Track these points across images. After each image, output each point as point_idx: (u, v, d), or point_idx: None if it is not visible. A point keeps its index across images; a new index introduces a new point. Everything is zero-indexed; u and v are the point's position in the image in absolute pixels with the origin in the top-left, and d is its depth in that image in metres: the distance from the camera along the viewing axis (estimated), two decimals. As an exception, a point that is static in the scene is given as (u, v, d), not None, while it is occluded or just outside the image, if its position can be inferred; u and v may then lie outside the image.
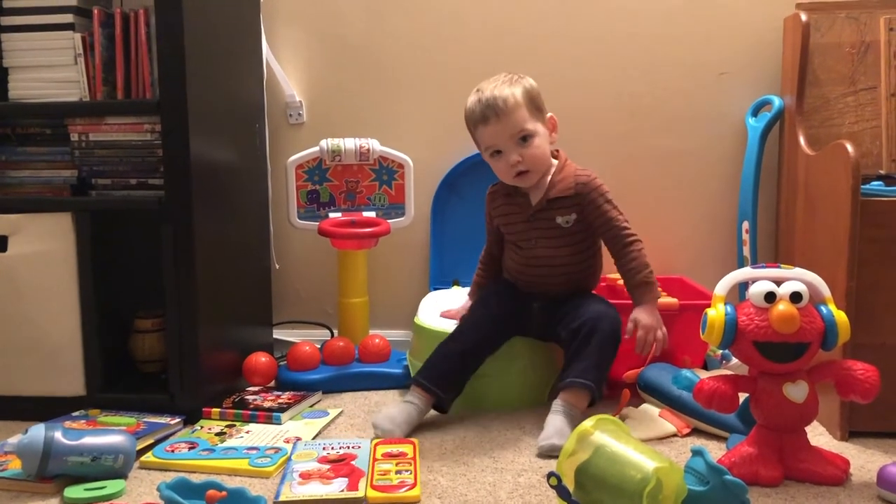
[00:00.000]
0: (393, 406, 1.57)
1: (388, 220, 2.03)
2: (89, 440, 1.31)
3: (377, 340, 1.92)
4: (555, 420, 1.47)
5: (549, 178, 1.63)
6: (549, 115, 1.64)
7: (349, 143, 2.02)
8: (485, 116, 1.58)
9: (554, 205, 1.62)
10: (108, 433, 1.36)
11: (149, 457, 1.42)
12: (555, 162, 1.66)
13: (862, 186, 1.45)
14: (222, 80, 1.78)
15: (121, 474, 1.33)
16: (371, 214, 2.06)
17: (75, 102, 1.65)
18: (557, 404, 1.49)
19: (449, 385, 1.58)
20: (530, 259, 1.65)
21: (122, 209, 1.67)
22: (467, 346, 1.60)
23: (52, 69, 1.65)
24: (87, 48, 1.63)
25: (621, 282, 1.96)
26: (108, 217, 1.66)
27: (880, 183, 1.56)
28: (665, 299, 1.80)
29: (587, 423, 1.17)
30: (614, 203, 1.62)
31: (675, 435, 1.52)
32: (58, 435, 1.29)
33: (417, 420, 1.54)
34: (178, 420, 1.57)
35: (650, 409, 1.58)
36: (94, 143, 1.65)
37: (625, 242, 1.60)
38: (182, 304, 1.59)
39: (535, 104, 1.60)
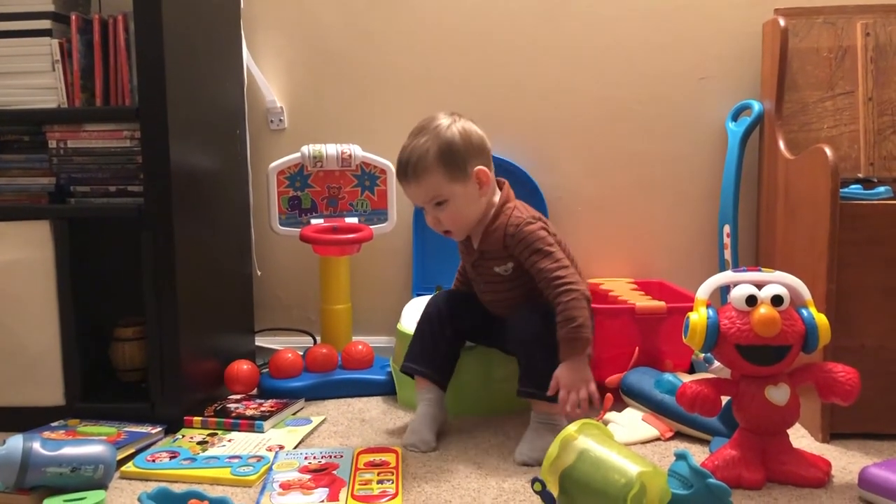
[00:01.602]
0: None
1: (371, 226, 2.03)
2: (68, 451, 1.30)
3: (360, 347, 1.91)
4: (527, 434, 1.47)
5: (484, 227, 1.53)
6: (476, 168, 1.48)
7: (331, 149, 2.01)
8: (399, 176, 1.52)
9: (487, 255, 1.55)
10: (88, 443, 1.35)
11: (129, 467, 1.40)
12: (494, 207, 1.54)
13: (840, 190, 1.47)
14: (202, 86, 1.77)
15: (101, 485, 1.31)
16: (353, 220, 2.05)
17: (53, 109, 1.63)
18: (532, 417, 1.49)
19: (436, 360, 1.58)
20: (480, 294, 1.63)
21: (102, 217, 1.66)
22: (441, 318, 1.60)
23: (29, 76, 1.63)
24: (64, 54, 1.62)
25: (603, 286, 1.98)
26: (87, 225, 1.64)
27: (858, 186, 1.58)
28: (652, 303, 1.81)
29: (571, 428, 1.17)
30: (547, 248, 1.47)
31: (658, 439, 1.52)
32: (36, 446, 1.27)
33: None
34: (159, 429, 1.56)
35: (633, 414, 1.59)
36: (73, 151, 1.63)
37: (554, 294, 1.44)
38: (162, 312, 1.58)
39: (453, 163, 1.46)
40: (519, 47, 2.09)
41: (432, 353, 1.59)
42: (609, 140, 2.09)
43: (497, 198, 1.55)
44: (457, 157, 1.47)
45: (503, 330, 1.56)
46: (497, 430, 1.60)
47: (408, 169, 1.48)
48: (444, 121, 1.50)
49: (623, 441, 1.47)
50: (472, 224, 1.53)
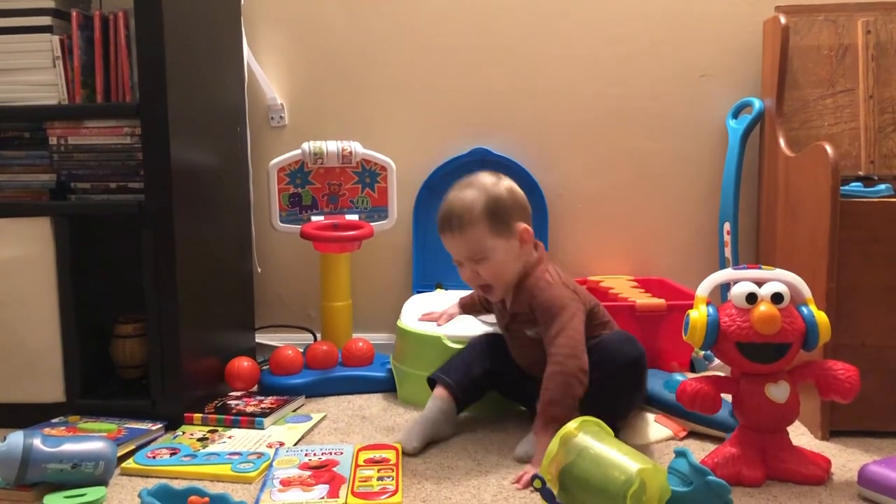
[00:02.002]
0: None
1: (371, 223, 2.03)
2: (69, 447, 1.30)
3: (360, 344, 1.91)
4: (531, 435, 1.44)
5: (515, 288, 1.51)
6: (521, 226, 1.47)
7: (331, 146, 2.01)
8: (442, 227, 1.49)
9: (518, 318, 1.53)
10: (89, 440, 1.35)
11: (130, 463, 1.40)
12: (540, 267, 1.52)
13: (841, 188, 1.47)
14: (203, 82, 1.77)
15: (101, 481, 1.31)
16: (354, 217, 2.05)
17: (54, 106, 1.63)
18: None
19: (464, 380, 1.56)
20: (512, 351, 1.60)
21: (102, 213, 1.65)
22: (489, 351, 1.60)
23: (29, 72, 1.63)
24: (65, 51, 1.61)
25: (603, 283, 1.98)
26: (88, 221, 1.64)
27: (859, 184, 1.58)
28: (652, 300, 1.81)
29: (571, 426, 1.17)
30: (558, 311, 1.44)
31: (672, 438, 1.52)
32: (37, 442, 1.27)
33: (439, 423, 1.52)
34: (159, 426, 1.56)
35: (645, 416, 1.58)
36: (73, 147, 1.63)
37: (549, 363, 1.41)
38: (163, 308, 1.58)
39: (499, 217, 1.45)
40: (520, 45, 2.09)
41: (464, 373, 1.57)
42: (609, 138, 2.09)
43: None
44: (503, 213, 1.47)
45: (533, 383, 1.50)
46: (497, 427, 1.60)
47: (452, 220, 1.46)
48: (489, 178, 1.50)
49: (638, 443, 1.46)
50: (512, 281, 1.50)
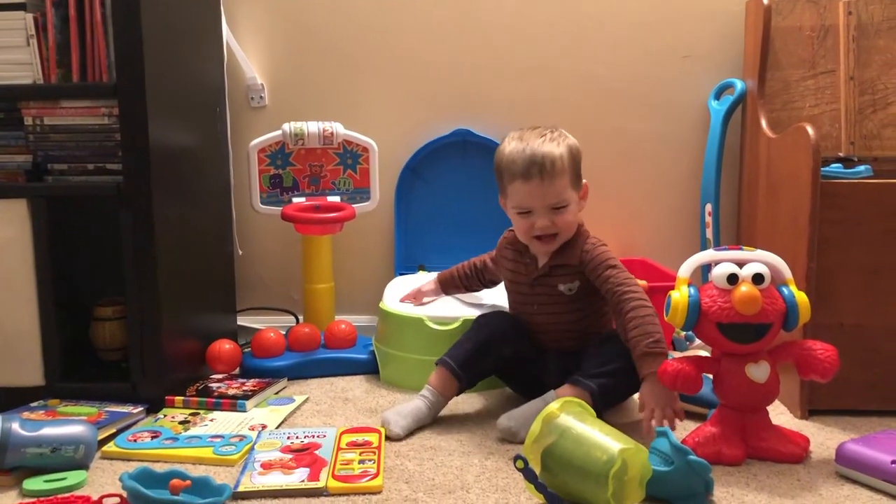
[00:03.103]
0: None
1: (353, 205, 2.02)
2: (48, 431, 1.29)
3: (343, 326, 1.91)
4: (531, 404, 1.44)
5: (562, 242, 1.54)
6: (584, 182, 1.54)
7: (312, 127, 1.99)
8: (527, 172, 1.46)
9: (557, 271, 1.54)
10: (68, 423, 1.34)
11: (111, 446, 1.39)
12: (584, 228, 1.57)
13: (821, 169, 1.47)
14: (181, 62, 1.75)
15: (82, 465, 1.31)
16: (335, 199, 2.04)
17: (28, 85, 1.60)
18: (548, 394, 1.45)
19: (473, 370, 1.53)
20: (531, 325, 1.59)
21: (80, 195, 1.63)
22: (506, 339, 1.56)
23: (3, 51, 1.59)
24: (39, 29, 1.58)
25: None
26: (66, 203, 1.62)
27: (839, 165, 1.59)
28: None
29: (553, 406, 1.17)
30: (612, 269, 1.49)
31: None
32: (15, 426, 1.26)
33: (428, 417, 1.50)
34: (140, 409, 1.55)
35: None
36: (49, 128, 1.60)
37: (628, 306, 1.43)
38: (143, 291, 1.56)
39: (577, 170, 1.51)
40: (503, 24, 2.07)
41: (476, 363, 1.53)
42: (592, 118, 2.09)
43: None
44: (579, 165, 1.53)
45: (573, 361, 1.51)
46: (480, 407, 1.61)
47: (544, 167, 1.46)
48: (553, 131, 1.52)
49: (619, 421, 1.47)
50: (570, 236, 1.53)
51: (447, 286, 1.80)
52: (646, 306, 1.43)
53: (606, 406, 1.46)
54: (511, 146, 1.51)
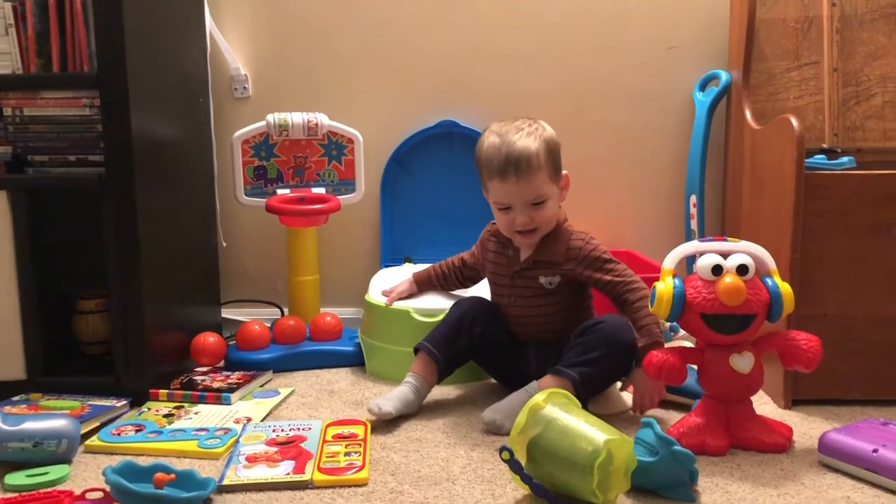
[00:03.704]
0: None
1: (338, 197, 2.01)
2: (30, 425, 1.28)
3: (328, 318, 1.90)
4: (514, 396, 1.44)
5: (542, 238, 1.55)
6: (564, 173, 1.54)
7: (296, 118, 1.98)
8: (503, 172, 1.46)
9: (540, 265, 1.55)
10: (51, 417, 1.33)
11: (94, 440, 1.38)
12: (567, 223, 1.58)
13: (805, 160, 1.48)
14: (164, 52, 1.73)
15: (64, 459, 1.30)
16: (320, 190, 2.03)
17: (8, 75, 1.57)
18: (531, 385, 1.45)
19: (450, 352, 1.54)
20: (510, 317, 1.60)
21: (61, 187, 1.61)
22: (475, 318, 1.57)
23: (-19, 41, 1.57)
24: (18, 18, 1.56)
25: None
26: (47, 195, 1.60)
27: (823, 157, 1.59)
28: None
29: (539, 398, 1.18)
30: (609, 263, 1.52)
31: None
32: (-4, 421, 1.25)
33: (414, 403, 1.50)
34: (124, 402, 1.54)
35: (612, 385, 1.59)
36: (30, 118, 1.58)
37: (628, 300, 1.49)
38: (126, 283, 1.55)
39: (555, 164, 1.50)
40: (488, 16, 2.07)
41: (449, 343, 1.55)
42: (578, 110, 2.09)
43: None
44: (557, 158, 1.51)
45: (553, 352, 1.52)
46: (465, 399, 1.61)
47: (520, 165, 1.45)
48: (534, 123, 1.52)
49: (604, 412, 1.48)
50: (551, 229, 1.54)
51: (423, 286, 1.79)
52: (646, 295, 1.47)
53: (589, 395, 1.46)
54: (488, 142, 1.51)
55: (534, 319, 1.57)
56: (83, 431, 1.38)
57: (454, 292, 1.79)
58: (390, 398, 1.48)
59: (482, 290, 1.72)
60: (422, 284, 1.79)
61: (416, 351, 1.57)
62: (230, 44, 2.07)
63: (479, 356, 1.62)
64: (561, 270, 1.54)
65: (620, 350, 1.45)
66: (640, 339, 1.47)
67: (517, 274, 1.57)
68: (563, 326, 1.54)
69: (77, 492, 1.16)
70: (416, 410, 1.52)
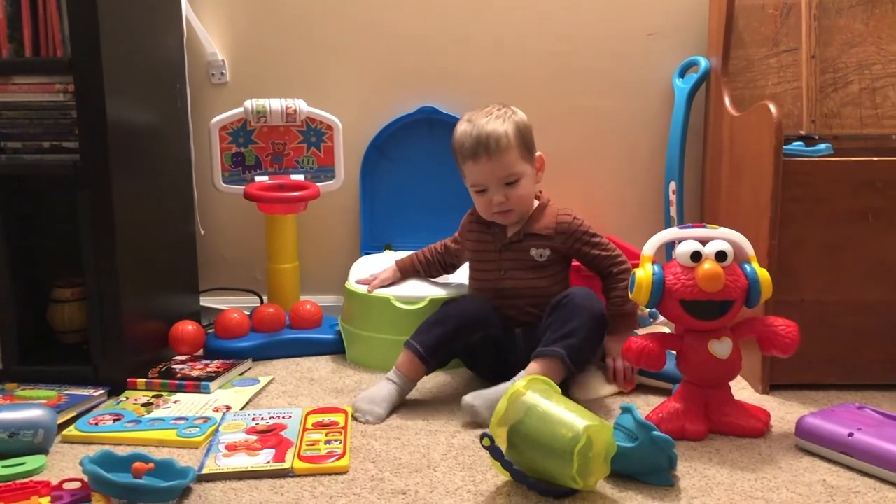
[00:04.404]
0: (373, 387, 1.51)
1: (318, 184, 2.00)
2: (6, 415, 1.27)
3: (308, 306, 1.89)
4: (499, 387, 1.42)
5: (532, 211, 1.60)
6: (537, 154, 1.60)
7: (275, 104, 1.96)
8: (475, 153, 1.53)
9: (530, 238, 1.58)
10: (27, 407, 1.31)
11: (71, 430, 1.37)
12: (536, 201, 1.62)
13: (783, 147, 1.49)
14: (139, 37, 1.70)
15: (41, 450, 1.28)
16: (299, 177, 2.01)
17: (-22, 61, 1.55)
18: (518, 377, 1.41)
19: (439, 352, 1.52)
20: (500, 290, 1.59)
21: (35, 174, 1.59)
22: (475, 324, 1.55)
23: (-50, 25, 1.54)
24: (-12, 2, 1.53)
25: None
26: (20, 182, 1.58)
27: (801, 143, 1.60)
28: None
29: (519, 384, 1.18)
30: (596, 237, 1.60)
31: (620, 393, 1.54)
32: (-29, 411, 1.24)
33: (399, 399, 1.49)
34: (101, 392, 1.52)
35: (592, 371, 1.59)
36: (2, 105, 1.55)
37: (620, 269, 1.58)
38: (102, 272, 1.53)
39: (526, 144, 1.56)
40: (467, 1, 2.05)
41: (444, 349, 1.53)
42: (556, 96, 2.08)
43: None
44: (528, 139, 1.57)
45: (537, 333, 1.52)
46: (446, 386, 1.61)
47: (489, 145, 1.52)
48: (504, 108, 1.59)
49: (585, 398, 1.49)
50: (528, 208, 1.60)
51: (406, 272, 1.79)
52: (628, 269, 1.57)
53: (578, 365, 1.46)
54: (461, 129, 1.58)
55: (523, 292, 1.58)
56: (60, 421, 1.36)
57: (437, 280, 1.79)
58: (378, 402, 1.45)
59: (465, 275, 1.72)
60: (405, 271, 1.79)
61: (406, 346, 1.52)
62: (207, 28, 2.05)
63: (470, 356, 1.62)
64: (552, 244, 1.58)
65: (594, 316, 1.47)
66: (611, 308, 1.56)
67: (505, 247, 1.60)
68: (545, 303, 1.53)
69: (54, 482, 1.15)
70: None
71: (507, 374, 1.46)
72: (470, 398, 1.42)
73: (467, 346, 1.56)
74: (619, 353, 1.50)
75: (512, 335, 1.58)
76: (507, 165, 1.53)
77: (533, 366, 1.44)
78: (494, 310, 1.58)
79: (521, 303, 1.58)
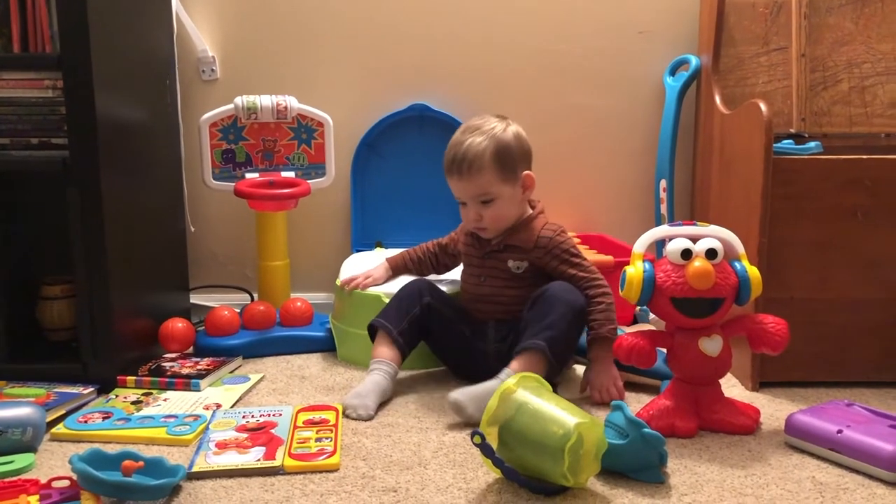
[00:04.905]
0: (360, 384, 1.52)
1: (308, 181, 1.99)
2: (-6, 413, 1.26)
3: (299, 304, 1.89)
4: (488, 384, 1.41)
5: (513, 227, 1.58)
6: (524, 173, 1.56)
7: (265, 101, 1.96)
8: (450, 170, 1.54)
9: (509, 249, 1.57)
10: (15, 405, 1.30)
11: (60, 428, 1.36)
12: (530, 210, 1.61)
13: (773, 145, 1.49)
14: (129, 33, 1.69)
15: (30, 448, 1.28)
16: (290, 174, 2.01)
17: (-34, 56, 1.54)
18: (503, 373, 1.43)
19: (402, 322, 1.56)
20: (479, 295, 1.62)
21: (24, 171, 1.58)
22: (421, 291, 1.60)
23: (-63, 20, 1.53)
24: (-24, -3, 1.52)
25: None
26: (9, 179, 1.57)
27: (791, 141, 1.61)
28: (598, 257, 1.83)
29: (510, 381, 1.18)
30: (576, 258, 1.56)
31: None
32: (-41, 409, 1.23)
33: (388, 388, 1.49)
34: (91, 389, 1.52)
35: (581, 369, 1.59)
36: (-10, 101, 1.55)
37: (597, 291, 1.53)
38: (92, 269, 1.53)
39: (505, 165, 1.52)
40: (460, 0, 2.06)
41: (401, 313, 1.57)
42: (548, 94, 2.09)
43: (528, 206, 1.61)
44: (510, 159, 1.53)
45: (512, 330, 1.53)
46: (437, 384, 1.61)
47: (462, 165, 1.51)
48: (498, 123, 1.55)
49: (574, 396, 1.49)
50: (509, 225, 1.58)
51: (398, 270, 1.79)
52: (605, 292, 1.53)
53: (560, 358, 1.47)
54: (452, 139, 1.57)
55: (499, 299, 1.59)
56: (49, 419, 1.36)
57: (428, 278, 1.79)
58: (365, 394, 1.45)
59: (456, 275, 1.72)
60: (397, 269, 1.79)
61: (372, 330, 1.58)
62: (197, 24, 2.04)
63: (433, 336, 1.62)
64: (529, 257, 1.57)
65: (573, 308, 1.48)
66: (590, 332, 1.52)
67: (487, 255, 1.60)
68: (519, 309, 1.54)
69: (43, 480, 1.14)
70: (390, 395, 1.51)
71: (478, 364, 1.51)
72: (457, 393, 1.41)
73: (423, 310, 1.58)
74: (603, 385, 1.48)
75: (484, 326, 1.59)
76: (480, 186, 1.52)
77: (516, 363, 1.44)
78: (441, 291, 1.63)
79: (498, 308, 1.59)
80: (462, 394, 1.41)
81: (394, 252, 1.83)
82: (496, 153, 1.52)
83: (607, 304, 1.52)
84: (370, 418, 1.43)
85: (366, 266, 1.81)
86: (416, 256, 1.78)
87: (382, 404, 1.48)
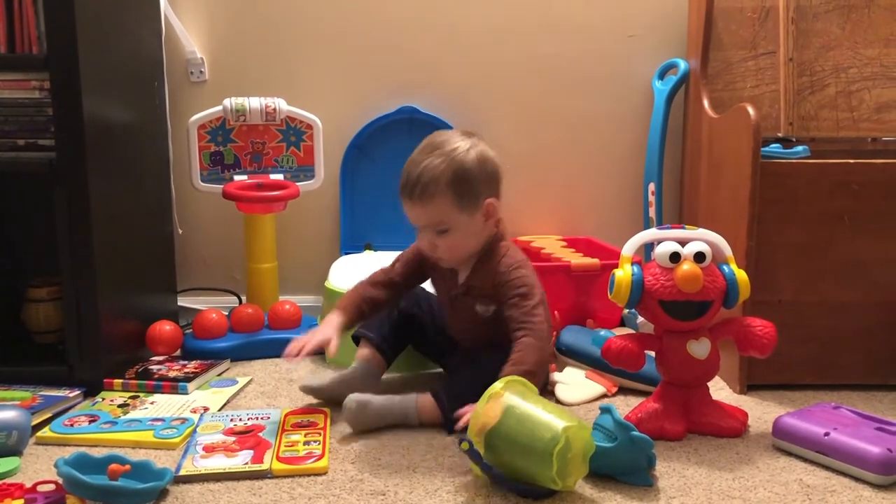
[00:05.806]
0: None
1: (297, 183, 1.99)
2: (-21, 417, 1.25)
3: (287, 307, 1.88)
4: (393, 400, 1.39)
5: (475, 261, 1.45)
6: (487, 200, 1.40)
7: (254, 103, 1.95)
8: (403, 192, 1.39)
9: (473, 292, 1.46)
10: (0, 409, 1.29)
11: (46, 432, 1.35)
12: (503, 244, 1.45)
13: (761, 149, 1.50)
14: (117, 34, 1.69)
15: (15, 451, 1.27)
16: (279, 177, 2.00)
17: (-48, 57, 1.53)
18: (408, 397, 1.40)
19: (383, 328, 1.56)
20: (450, 326, 1.56)
21: (10, 172, 1.56)
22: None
23: (-77, 20, 1.52)
24: (-38, -3, 1.51)
25: (534, 243, 2.00)
26: (-6, 180, 1.56)
27: (778, 146, 1.62)
28: (586, 260, 1.83)
29: (497, 385, 1.18)
30: (519, 297, 1.38)
31: (605, 395, 1.54)
32: (-57, 413, 1.22)
33: (357, 382, 1.46)
34: (77, 392, 1.50)
35: (576, 372, 1.59)
36: (-24, 101, 1.53)
37: (515, 336, 1.35)
38: (79, 271, 1.51)
39: (465, 192, 1.36)
40: (449, 1, 2.05)
41: (384, 321, 1.56)
42: (537, 96, 2.09)
43: (492, 230, 1.46)
44: (470, 186, 1.37)
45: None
46: (425, 388, 1.60)
47: (416, 189, 1.36)
48: (461, 143, 1.38)
49: (573, 400, 1.49)
50: (468, 256, 1.44)
51: (354, 317, 1.52)
52: (539, 335, 1.35)
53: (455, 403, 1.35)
54: (410, 156, 1.41)
55: (471, 335, 1.52)
56: (34, 423, 1.35)
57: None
58: (328, 378, 1.47)
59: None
60: (351, 317, 1.52)
61: (356, 340, 1.58)
62: (186, 26, 2.03)
63: (413, 334, 1.61)
64: (495, 300, 1.44)
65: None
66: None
67: (454, 297, 1.50)
68: (500, 335, 1.42)
69: (28, 484, 1.14)
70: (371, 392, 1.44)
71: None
72: (354, 397, 1.37)
73: (401, 311, 1.58)
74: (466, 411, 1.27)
75: (455, 345, 1.58)
76: (434, 213, 1.37)
77: (423, 398, 1.41)
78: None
79: (469, 339, 1.53)
80: (359, 399, 1.37)
81: (383, 255, 1.82)
82: (454, 179, 1.35)
83: (527, 345, 1.32)
84: (317, 391, 1.46)
85: (354, 268, 1.81)
86: (370, 299, 1.53)
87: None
